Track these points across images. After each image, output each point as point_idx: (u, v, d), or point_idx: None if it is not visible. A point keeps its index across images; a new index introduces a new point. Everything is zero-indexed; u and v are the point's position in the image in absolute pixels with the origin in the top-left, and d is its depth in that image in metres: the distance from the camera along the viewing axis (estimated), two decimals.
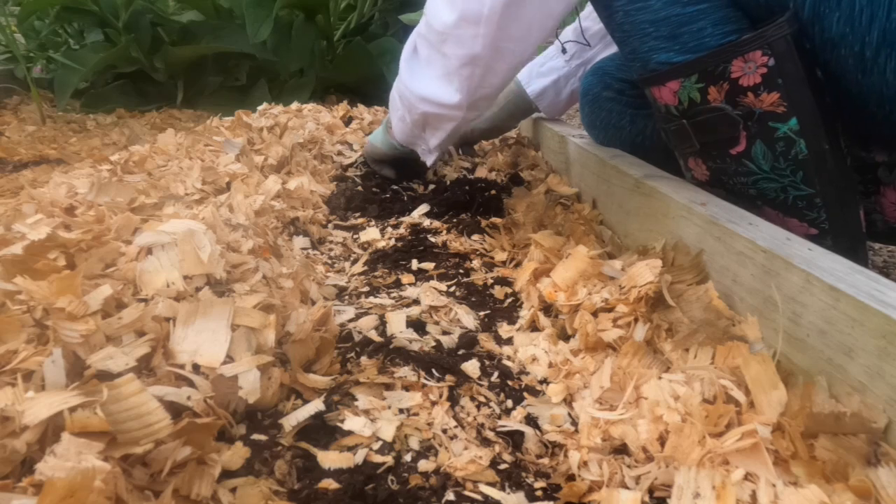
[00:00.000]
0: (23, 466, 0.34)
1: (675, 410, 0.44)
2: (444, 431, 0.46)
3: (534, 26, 0.78)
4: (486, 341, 0.60)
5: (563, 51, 1.15)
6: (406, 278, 0.74)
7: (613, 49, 1.13)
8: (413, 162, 1.11)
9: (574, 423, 0.50)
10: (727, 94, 0.64)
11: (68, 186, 0.71)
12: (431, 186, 1.14)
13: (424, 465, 0.42)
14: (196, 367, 0.43)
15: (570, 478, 0.43)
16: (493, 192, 1.06)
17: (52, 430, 0.35)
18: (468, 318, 0.64)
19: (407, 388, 0.50)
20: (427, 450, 0.44)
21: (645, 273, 0.56)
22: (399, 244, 0.85)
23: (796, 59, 0.60)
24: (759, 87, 0.62)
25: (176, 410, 0.39)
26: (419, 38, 0.88)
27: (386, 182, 1.17)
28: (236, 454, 0.41)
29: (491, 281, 0.75)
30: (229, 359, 0.45)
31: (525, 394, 0.53)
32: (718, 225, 0.58)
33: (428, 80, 0.89)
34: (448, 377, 0.52)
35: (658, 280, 0.56)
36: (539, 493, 0.42)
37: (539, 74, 1.20)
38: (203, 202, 0.73)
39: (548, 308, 0.65)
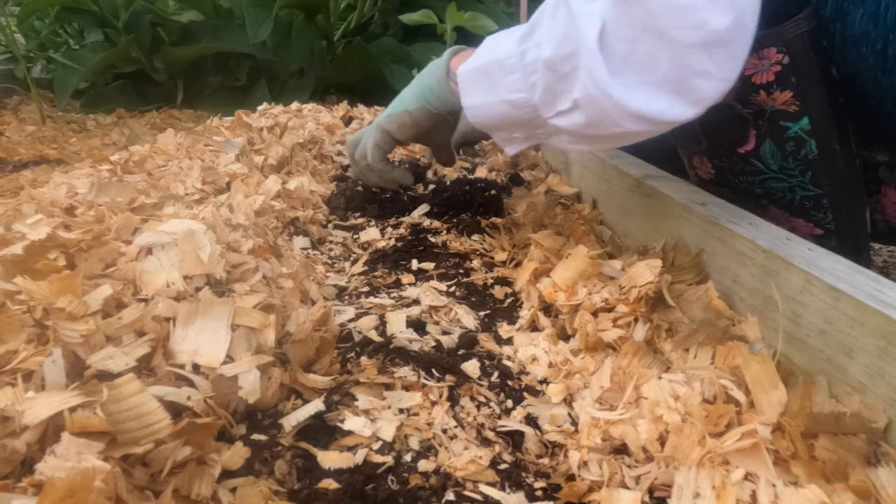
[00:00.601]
0: (23, 466, 0.34)
1: (675, 410, 0.44)
2: (444, 431, 0.46)
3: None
4: (486, 341, 0.60)
5: None
6: (406, 278, 0.74)
7: None
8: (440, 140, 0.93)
9: (574, 423, 0.50)
10: (738, 92, 0.63)
11: (68, 186, 0.71)
12: (431, 186, 1.14)
13: (424, 465, 0.42)
14: (196, 367, 0.43)
15: (570, 478, 0.43)
16: (493, 192, 1.06)
17: (52, 430, 0.35)
18: (468, 318, 0.64)
19: (407, 388, 0.50)
20: (427, 450, 0.44)
21: (645, 273, 0.56)
22: (399, 244, 0.85)
23: (812, 58, 0.59)
24: (773, 85, 0.61)
25: (176, 410, 0.39)
26: (629, 25, 0.52)
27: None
28: (236, 454, 0.41)
29: (491, 281, 0.75)
30: (229, 359, 0.45)
31: (525, 394, 0.53)
32: (718, 225, 0.58)
33: (649, 89, 0.54)
34: (448, 377, 0.52)
35: (658, 280, 0.56)
36: (539, 493, 0.42)
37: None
38: (203, 202, 0.73)
39: (548, 308, 0.65)
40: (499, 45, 0.64)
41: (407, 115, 0.83)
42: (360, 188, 1.13)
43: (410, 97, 0.83)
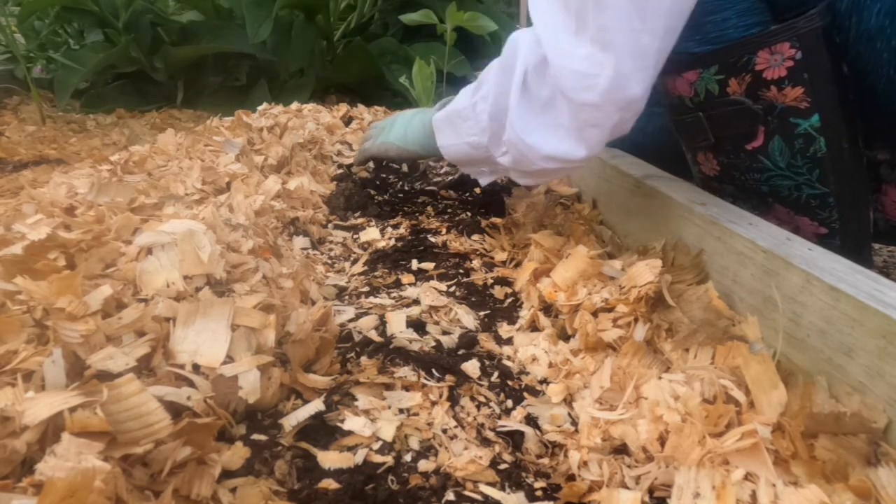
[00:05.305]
0: (23, 466, 0.34)
1: (675, 410, 0.44)
2: (444, 431, 0.46)
3: (670, 47, 0.59)
4: (486, 341, 0.60)
5: None
6: (406, 278, 0.74)
7: None
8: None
9: (574, 423, 0.50)
10: (748, 87, 0.62)
11: (68, 186, 0.71)
12: (431, 187, 1.15)
13: (424, 465, 0.42)
14: (196, 367, 0.43)
15: (570, 478, 0.43)
16: (493, 192, 1.06)
17: (52, 430, 0.35)
18: (468, 318, 0.64)
19: (407, 388, 0.50)
20: (427, 450, 0.44)
21: (645, 273, 0.56)
22: (399, 244, 0.85)
23: (825, 54, 0.58)
24: (784, 80, 0.60)
25: (176, 410, 0.39)
26: (537, 76, 0.65)
27: (387, 182, 1.17)
28: (236, 454, 0.41)
29: (491, 281, 0.75)
30: (229, 359, 0.45)
31: (525, 394, 0.53)
32: (718, 225, 0.58)
33: (551, 132, 0.66)
34: (448, 377, 0.52)
35: (658, 280, 0.56)
36: (539, 493, 0.42)
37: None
38: (203, 202, 0.73)
39: (548, 308, 0.65)
40: (460, 97, 0.80)
41: (406, 152, 0.97)
42: (360, 188, 1.13)
43: (411, 138, 0.96)
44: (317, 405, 0.46)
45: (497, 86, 0.70)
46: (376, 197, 1.07)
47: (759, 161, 0.66)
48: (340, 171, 1.23)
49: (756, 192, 0.67)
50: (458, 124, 0.80)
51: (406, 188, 1.15)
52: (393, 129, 0.98)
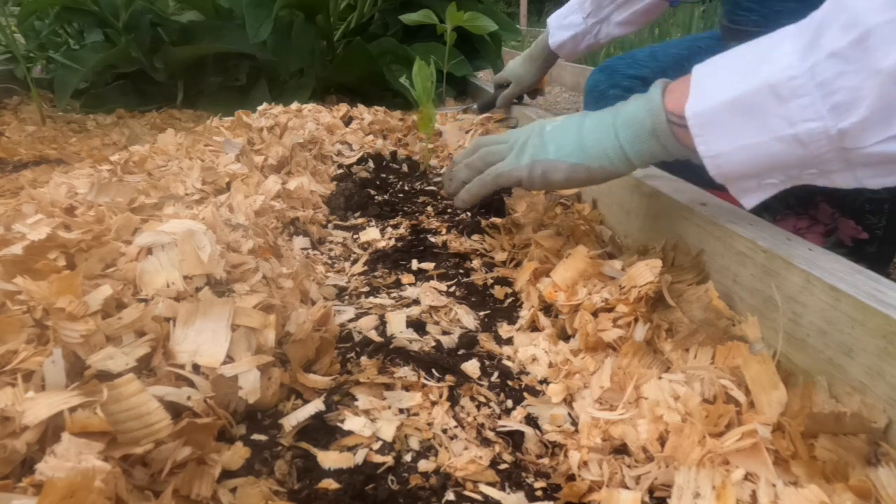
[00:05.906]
0: (23, 466, 0.34)
1: (675, 410, 0.44)
2: (444, 431, 0.46)
3: None
4: (486, 341, 0.60)
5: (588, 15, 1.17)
6: (406, 278, 0.74)
7: (628, 12, 1.15)
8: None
9: (574, 423, 0.50)
10: None
11: (68, 186, 0.71)
12: (431, 187, 1.15)
13: (424, 465, 0.42)
14: (196, 368, 0.43)
15: (570, 478, 0.43)
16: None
17: (52, 430, 0.35)
18: (468, 318, 0.64)
19: (407, 388, 0.50)
20: (427, 450, 0.44)
21: (645, 273, 0.56)
22: (399, 244, 0.85)
23: None
24: None
25: (176, 410, 0.39)
26: None
27: (387, 182, 1.17)
28: (236, 454, 0.41)
29: (491, 281, 0.75)
30: (229, 359, 0.45)
31: (525, 394, 0.53)
32: (718, 225, 0.58)
33: None
34: (448, 377, 0.52)
35: (658, 280, 0.56)
36: (539, 493, 0.42)
37: (560, 27, 1.23)
38: (203, 202, 0.73)
39: (548, 308, 0.65)
40: (759, 66, 0.48)
41: (585, 171, 0.63)
42: (359, 188, 1.13)
43: (594, 148, 0.62)
44: (317, 405, 0.46)
45: None
46: (376, 197, 1.07)
47: None
48: (340, 171, 1.23)
49: (804, 189, 0.54)
50: (772, 109, 0.47)
51: (406, 188, 1.15)
52: (549, 143, 0.66)
